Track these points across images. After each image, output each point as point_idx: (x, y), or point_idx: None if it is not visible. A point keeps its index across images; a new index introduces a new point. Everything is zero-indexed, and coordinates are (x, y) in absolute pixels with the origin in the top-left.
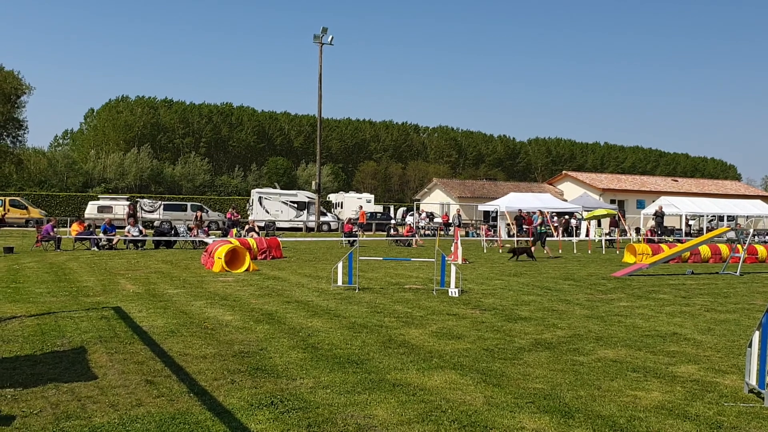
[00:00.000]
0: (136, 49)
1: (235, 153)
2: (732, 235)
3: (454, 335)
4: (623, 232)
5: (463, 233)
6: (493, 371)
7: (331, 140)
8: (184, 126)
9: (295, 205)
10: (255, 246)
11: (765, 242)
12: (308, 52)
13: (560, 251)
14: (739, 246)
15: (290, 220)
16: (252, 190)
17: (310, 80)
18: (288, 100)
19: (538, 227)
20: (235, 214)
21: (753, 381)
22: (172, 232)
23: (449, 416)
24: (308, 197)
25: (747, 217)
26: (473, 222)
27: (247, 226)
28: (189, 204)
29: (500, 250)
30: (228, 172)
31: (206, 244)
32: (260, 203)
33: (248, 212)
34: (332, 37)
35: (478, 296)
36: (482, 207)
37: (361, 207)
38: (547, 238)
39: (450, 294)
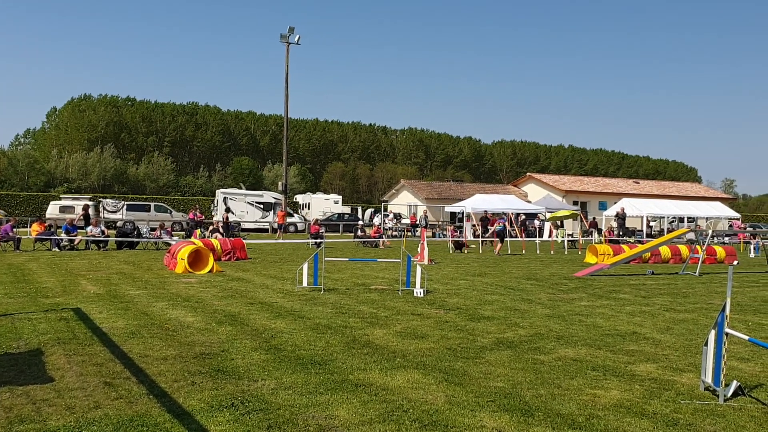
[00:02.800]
0: (99, 46)
1: (199, 153)
2: (692, 236)
3: (418, 335)
4: (586, 233)
5: (430, 234)
6: (456, 370)
7: (298, 141)
8: (147, 125)
9: (261, 206)
10: (219, 247)
11: (724, 243)
12: (275, 51)
13: (524, 251)
14: (698, 247)
15: (256, 221)
16: (217, 191)
17: (277, 80)
18: (254, 99)
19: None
20: (199, 214)
21: (709, 379)
22: (135, 232)
23: (411, 416)
24: (274, 198)
25: (707, 218)
26: (440, 223)
27: (211, 227)
28: (153, 204)
29: (465, 251)
30: (192, 173)
31: (169, 244)
32: (225, 204)
33: (213, 213)
34: (299, 37)
35: (442, 296)
36: (449, 208)
37: (280, 207)
38: (511, 239)
39: (415, 294)
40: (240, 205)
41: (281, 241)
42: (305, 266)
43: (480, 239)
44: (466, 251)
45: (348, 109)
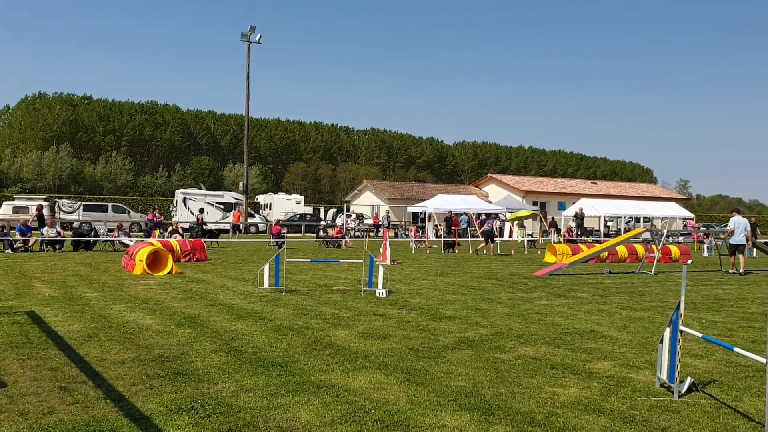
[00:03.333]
0: (54, 43)
1: (158, 152)
2: (647, 235)
3: (380, 335)
4: (545, 232)
5: (392, 234)
6: (417, 370)
7: (259, 140)
8: (105, 124)
9: (222, 207)
10: (178, 248)
11: (678, 243)
12: (236, 50)
13: (485, 251)
14: (653, 246)
15: (216, 222)
16: (176, 191)
17: (238, 79)
18: (214, 98)
19: (490, 227)
20: (158, 215)
21: (664, 376)
22: (92, 233)
23: (372, 416)
24: (235, 198)
25: (662, 218)
26: (402, 223)
27: (170, 228)
28: (110, 205)
29: (428, 251)
30: (151, 172)
31: (127, 246)
32: (185, 204)
33: (172, 213)
34: (260, 36)
35: (405, 296)
36: (411, 208)
37: (238, 208)
38: (472, 238)
39: (377, 295)
40: (200, 206)
41: (234, 240)
42: (266, 267)
43: (442, 239)
44: (457, 250)
45: (310, 108)
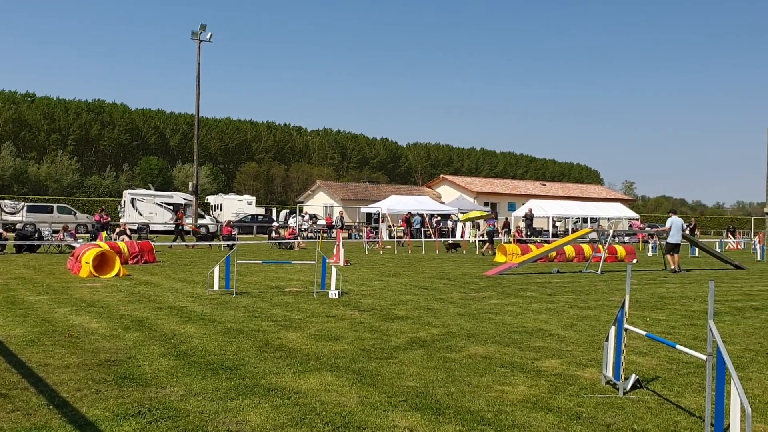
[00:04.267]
0: None
1: (106, 152)
2: (594, 235)
3: (332, 337)
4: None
5: (346, 235)
6: (369, 371)
7: (210, 140)
8: (49, 123)
9: (171, 207)
10: (126, 250)
11: (624, 242)
12: (186, 48)
13: (437, 251)
14: (600, 246)
15: (165, 223)
16: (124, 191)
17: (188, 78)
18: (164, 97)
19: (489, 228)
20: (105, 216)
21: (609, 373)
22: (36, 235)
23: (323, 418)
24: (185, 199)
25: (608, 218)
26: (356, 224)
27: (117, 229)
28: (55, 205)
29: (381, 252)
30: (98, 172)
31: (73, 248)
32: (133, 205)
33: (120, 214)
34: (211, 34)
35: (357, 297)
36: (365, 209)
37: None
38: (426, 239)
39: (330, 296)
40: (148, 207)
41: (178, 243)
42: (216, 269)
43: (395, 239)
44: (463, 251)
45: (262, 108)
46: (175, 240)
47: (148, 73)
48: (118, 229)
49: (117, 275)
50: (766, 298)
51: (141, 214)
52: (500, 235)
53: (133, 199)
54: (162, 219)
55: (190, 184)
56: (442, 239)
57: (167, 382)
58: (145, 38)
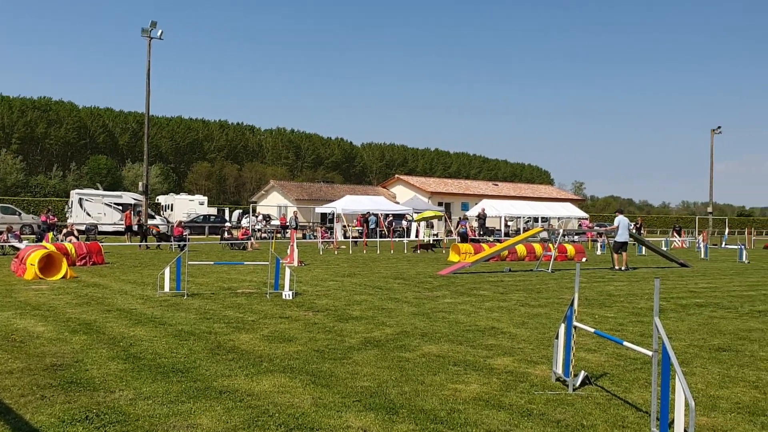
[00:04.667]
0: None
1: (52, 151)
2: (545, 235)
3: (285, 338)
4: (450, 232)
5: (300, 236)
6: (323, 372)
7: (160, 139)
8: None
9: (120, 208)
10: (73, 251)
11: (574, 241)
12: (136, 45)
13: (392, 251)
14: (550, 245)
15: (114, 224)
16: (72, 191)
17: (138, 75)
18: (113, 95)
19: (461, 228)
20: (51, 217)
21: (559, 370)
22: None
23: (276, 420)
24: (134, 199)
25: (558, 218)
26: (310, 224)
27: (65, 230)
28: None
29: (336, 252)
30: (45, 172)
31: (18, 249)
32: (81, 205)
33: (67, 215)
34: (162, 32)
35: (311, 298)
36: (319, 209)
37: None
38: (381, 239)
39: (284, 297)
40: (97, 207)
41: (129, 244)
42: (167, 270)
43: (351, 239)
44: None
45: (214, 107)
46: (143, 240)
47: (96, 71)
48: (65, 230)
49: (64, 277)
50: (709, 296)
51: (89, 215)
52: (475, 234)
53: (80, 199)
54: (111, 219)
55: (140, 183)
56: (399, 238)
57: (116, 386)
58: (93, 35)
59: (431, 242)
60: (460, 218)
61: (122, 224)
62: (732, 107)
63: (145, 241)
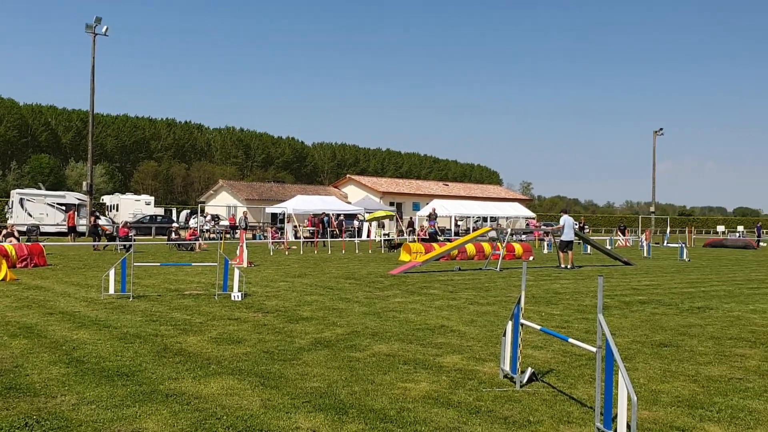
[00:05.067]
0: None
1: None
2: (493, 234)
3: (234, 340)
4: (401, 232)
5: (250, 236)
6: (272, 373)
7: (105, 137)
8: None
9: (63, 208)
10: (13, 253)
11: (521, 241)
12: (80, 42)
13: (343, 251)
14: (499, 244)
15: (57, 224)
16: (12, 191)
17: (82, 72)
18: (56, 93)
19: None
20: None
21: (507, 367)
22: None
23: (224, 423)
24: (78, 199)
25: (507, 218)
26: (260, 224)
27: (4, 231)
28: None
29: (287, 252)
30: None
31: None
32: (22, 205)
33: (7, 215)
34: (107, 28)
35: (261, 299)
36: (270, 209)
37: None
38: (332, 239)
39: (232, 298)
40: (39, 207)
41: (72, 243)
42: (112, 272)
43: (302, 240)
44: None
45: (161, 105)
46: (97, 240)
47: (38, 67)
48: (5, 231)
49: (4, 279)
50: (651, 293)
51: (31, 215)
52: (442, 234)
53: (21, 199)
54: (54, 220)
55: (84, 183)
56: (349, 239)
57: (58, 391)
58: (36, 30)
59: (396, 242)
60: (429, 217)
61: (65, 225)
62: (673, 109)
63: (99, 241)
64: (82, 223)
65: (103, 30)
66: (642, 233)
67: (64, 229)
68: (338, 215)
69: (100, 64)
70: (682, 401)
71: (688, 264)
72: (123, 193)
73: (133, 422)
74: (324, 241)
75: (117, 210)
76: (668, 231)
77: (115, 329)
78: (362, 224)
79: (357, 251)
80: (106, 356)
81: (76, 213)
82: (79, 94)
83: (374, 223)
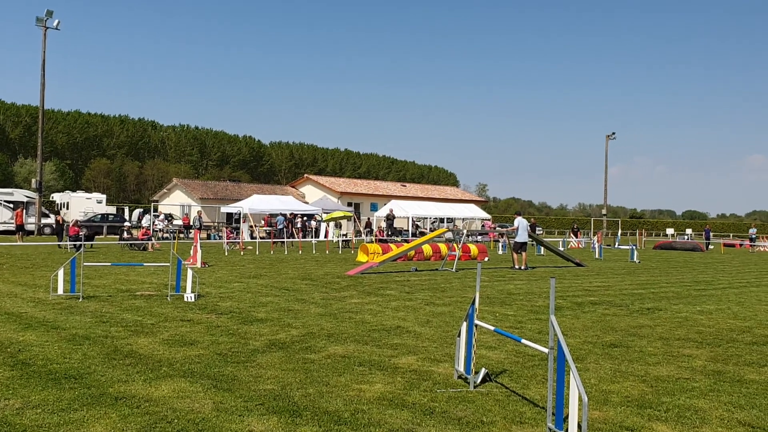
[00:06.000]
0: None
1: None
2: (450, 235)
3: (186, 342)
4: (359, 233)
5: (204, 236)
6: (225, 376)
7: (56, 134)
8: None
9: (11, 206)
10: None
11: (477, 241)
12: (30, 35)
13: (300, 251)
14: (455, 245)
15: (4, 222)
16: None
17: (32, 67)
18: (4, 87)
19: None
20: None
21: (461, 368)
22: None
23: (175, 426)
24: (27, 197)
25: (463, 219)
26: (215, 224)
27: None
28: None
29: (242, 253)
30: None
31: None
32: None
33: None
34: (58, 21)
35: (215, 300)
36: (225, 209)
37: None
38: (290, 239)
39: (186, 299)
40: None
41: (21, 244)
42: (61, 272)
43: (257, 240)
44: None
45: (113, 101)
46: (61, 239)
47: None
48: None
49: None
50: (603, 294)
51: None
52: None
53: None
54: (1, 218)
55: (34, 180)
56: (305, 239)
57: (1, 395)
58: None
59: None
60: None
61: (13, 223)
62: (625, 113)
63: (61, 240)
64: (31, 222)
65: (55, 24)
66: (594, 235)
67: (11, 227)
68: (295, 215)
69: (51, 58)
70: (632, 401)
71: (638, 266)
72: (74, 191)
73: (80, 426)
74: (283, 241)
75: (67, 208)
76: (619, 233)
77: (63, 330)
78: (320, 224)
79: (314, 251)
80: (54, 358)
81: (24, 211)
82: (28, 89)
83: (332, 224)
